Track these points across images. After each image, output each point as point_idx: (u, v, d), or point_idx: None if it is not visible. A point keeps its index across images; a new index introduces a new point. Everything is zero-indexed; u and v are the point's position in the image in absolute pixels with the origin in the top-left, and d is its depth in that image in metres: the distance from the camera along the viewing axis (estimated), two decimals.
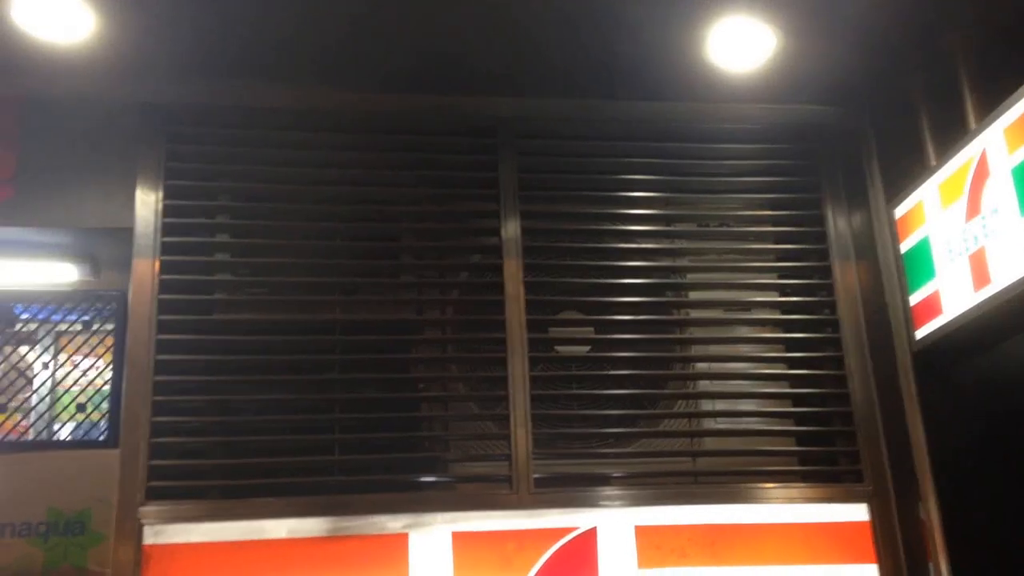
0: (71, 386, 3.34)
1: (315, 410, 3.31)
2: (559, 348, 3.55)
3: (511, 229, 3.53)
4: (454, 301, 3.55)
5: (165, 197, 3.36)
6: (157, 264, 3.29)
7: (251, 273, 3.48)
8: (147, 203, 3.35)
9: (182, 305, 3.34)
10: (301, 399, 3.32)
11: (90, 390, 3.34)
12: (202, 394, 3.28)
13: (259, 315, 3.40)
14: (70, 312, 3.39)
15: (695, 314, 3.66)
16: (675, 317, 3.64)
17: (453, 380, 3.49)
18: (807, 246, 3.72)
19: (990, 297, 2.97)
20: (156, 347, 3.22)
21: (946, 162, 3.17)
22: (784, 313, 3.70)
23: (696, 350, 3.60)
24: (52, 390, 3.35)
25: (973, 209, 3.04)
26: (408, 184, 3.59)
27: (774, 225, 3.77)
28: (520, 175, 3.58)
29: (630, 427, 3.46)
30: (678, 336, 3.62)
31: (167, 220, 3.35)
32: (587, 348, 3.54)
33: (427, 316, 3.55)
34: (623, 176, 3.68)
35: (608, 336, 3.54)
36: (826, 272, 3.68)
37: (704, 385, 3.59)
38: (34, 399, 3.34)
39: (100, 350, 3.36)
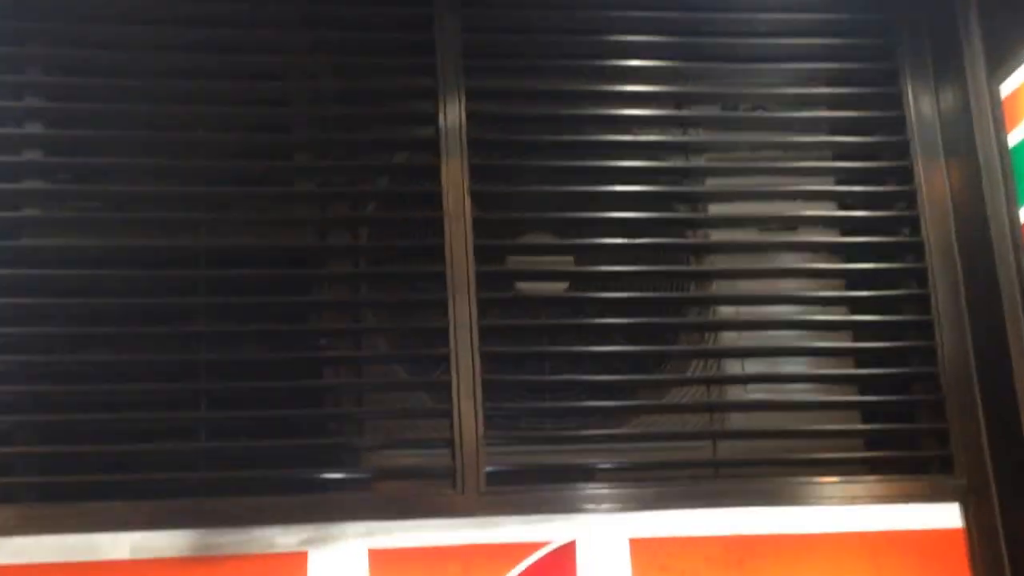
0: None
1: (172, 376, 2.98)
2: (522, 285, 3.21)
3: (453, 115, 3.17)
4: (371, 220, 3.20)
5: None
6: None
7: (75, 179, 3.11)
8: None
9: None
10: (151, 361, 2.97)
11: None
12: (6, 354, 2.91)
13: (87, 240, 3.03)
14: None
15: (717, 236, 3.29)
16: (689, 241, 3.28)
17: (370, 333, 3.14)
18: (878, 138, 3.38)
19: None
20: None
21: None
22: (845, 234, 3.35)
23: (719, 288, 3.26)
24: None
25: None
26: (302, 49, 3.20)
27: (831, 108, 3.41)
28: (465, 36, 3.23)
29: (624, 400, 3.15)
30: (693, 268, 3.27)
31: None
32: (563, 286, 3.21)
33: (332, 242, 3.19)
34: (612, 37, 3.32)
35: (593, 268, 3.20)
36: (905, 175, 3.33)
37: (730, 339, 3.27)
38: None
39: None
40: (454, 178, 3.12)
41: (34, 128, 3.10)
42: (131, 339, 2.98)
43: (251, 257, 3.08)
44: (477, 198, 3.13)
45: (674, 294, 3.26)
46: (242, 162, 3.14)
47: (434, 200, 3.13)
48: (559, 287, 3.22)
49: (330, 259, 3.19)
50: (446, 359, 3.02)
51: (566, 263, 3.23)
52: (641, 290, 3.21)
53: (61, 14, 3.11)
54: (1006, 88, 3.13)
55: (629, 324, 3.17)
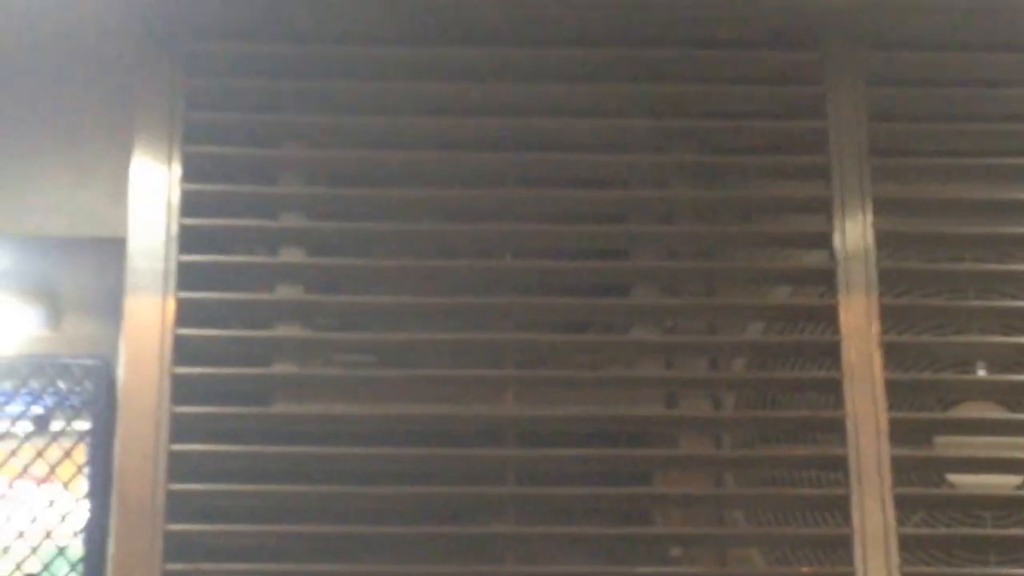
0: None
1: None
2: (954, 478, 2.57)
3: (855, 235, 2.55)
4: (739, 381, 2.61)
5: (184, 178, 2.51)
6: (171, 303, 2.47)
7: (340, 325, 2.60)
8: (152, 189, 2.51)
9: (211, 384, 2.47)
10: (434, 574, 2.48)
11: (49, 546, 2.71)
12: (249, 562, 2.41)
13: (353, 406, 2.53)
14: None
15: None
16: None
17: (736, 541, 2.54)
18: None
19: None
20: (169, 462, 2.40)
21: None
22: None
23: None
24: None
25: None
26: (645, 145, 2.64)
27: None
28: (872, 126, 2.61)
29: None
30: None
31: (188, 221, 2.48)
32: (1017, 480, 2.52)
33: (684, 411, 2.61)
34: None
35: None
36: None
37: None
38: None
39: (64, 472, 2.69)
40: (857, 324, 2.49)
41: (293, 254, 2.59)
42: (410, 543, 2.46)
43: (572, 432, 2.55)
44: (892, 352, 2.49)
45: None
46: (561, 299, 2.58)
47: (830, 354, 2.52)
48: (1011, 481, 2.54)
49: (682, 435, 2.61)
50: None
51: (1021, 447, 2.54)
52: None
53: (326, 102, 2.63)
54: None
55: None
